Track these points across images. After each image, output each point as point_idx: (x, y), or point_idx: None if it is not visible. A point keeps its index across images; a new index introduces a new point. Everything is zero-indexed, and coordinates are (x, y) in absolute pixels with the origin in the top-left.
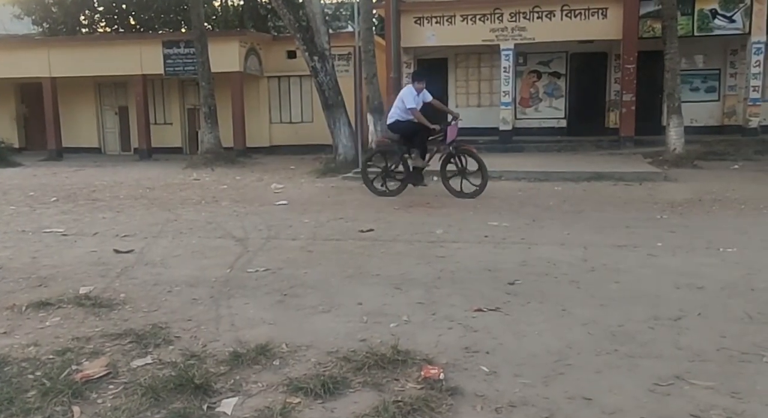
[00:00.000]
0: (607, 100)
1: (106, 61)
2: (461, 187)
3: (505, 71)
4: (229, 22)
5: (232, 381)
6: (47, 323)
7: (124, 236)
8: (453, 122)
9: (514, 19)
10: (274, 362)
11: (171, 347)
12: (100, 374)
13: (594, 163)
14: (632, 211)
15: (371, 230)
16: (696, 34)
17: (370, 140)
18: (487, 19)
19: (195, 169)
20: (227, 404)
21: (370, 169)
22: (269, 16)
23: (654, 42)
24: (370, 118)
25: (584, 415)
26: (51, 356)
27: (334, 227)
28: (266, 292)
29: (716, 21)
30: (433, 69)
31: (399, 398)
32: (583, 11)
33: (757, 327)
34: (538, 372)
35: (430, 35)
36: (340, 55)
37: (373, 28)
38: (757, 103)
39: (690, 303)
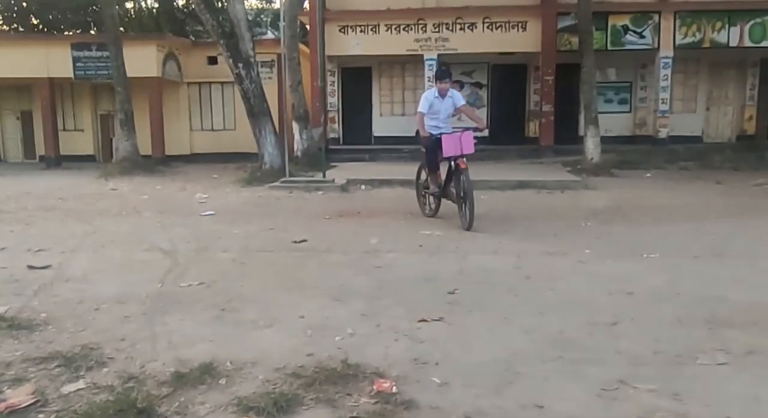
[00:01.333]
0: (527, 111)
1: (7, 62)
2: (463, 215)
3: (429, 81)
4: (144, 26)
5: (177, 403)
6: None
7: (38, 250)
8: (458, 132)
9: (437, 29)
10: (220, 381)
11: (105, 370)
12: (27, 403)
13: (517, 172)
14: (558, 219)
15: (305, 240)
16: (609, 48)
17: (295, 149)
18: (411, 29)
19: (111, 179)
20: None
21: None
22: (187, 20)
23: (571, 55)
24: (295, 126)
25: None
26: None
27: (266, 237)
28: (202, 307)
29: (628, 36)
30: (356, 78)
31: (354, 414)
32: (503, 24)
33: (687, 330)
34: (488, 382)
35: (354, 44)
36: (263, 62)
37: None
38: (666, 114)
39: (622, 308)
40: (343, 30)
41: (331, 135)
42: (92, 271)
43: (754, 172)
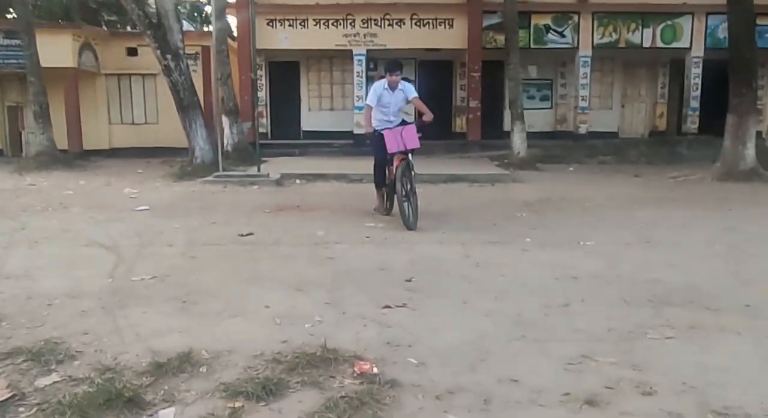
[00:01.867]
0: (453, 106)
1: None
2: (408, 214)
3: (358, 76)
4: (54, 14)
5: (162, 392)
6: None
7: None
8: (400, 127)
9: (366, 25)
10: (200, 369)
11: (77, 363)
12: (4, 398)
13: (448, 166)
14: (493, 210)
15: (251, 234)
16: (532, 46)
17: (225, 143)
18: (340, 25)
19: (27, 174)
20: (165, 415)
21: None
22: (101, 9)
23: (496, 52)
24: (225, 120)
25: (517, 395)
26: None
27: (210, 232)
28: (162, 300)
29: (549, 35)
30: (284, 72)
31: (343, 394)
32: (431, 21)
33: (634, 309)
34: (462, 361)
35: (283, 38)
36: (187, 54)
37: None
38: (586, 111)
39: (571, 291)
40: (271, 24)
41: (260, 130)
42: (32, 267)
43: (667, 165)
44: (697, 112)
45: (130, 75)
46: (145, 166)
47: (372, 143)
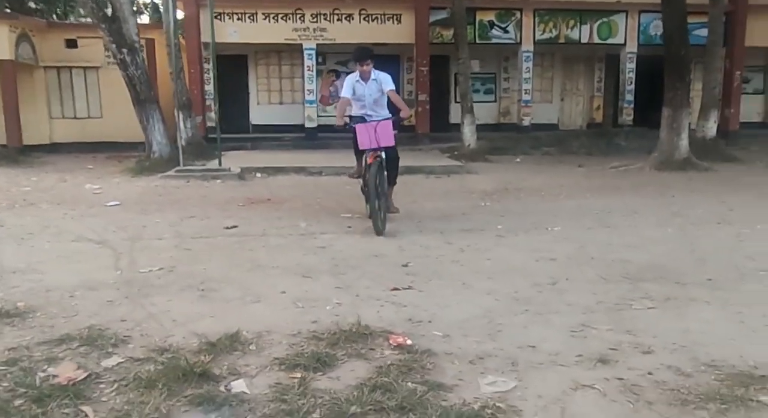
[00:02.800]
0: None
1: None
2: (377, 216)
3: (308, 70)
4: None
5: (225, 367)
6: None
7: None
8: (374, 122)
9: (315, 19)
10: (250, 347)
11: (131, 345)
12: (81, 377)
13: (402, 158)
14: (457, 200)
15: (235, 226)
16: (477, 41)
17: (178, 138)
18: (290, 19)
19: None
20: (239, 386)
21: None
22: None
23: (441, 47)
24: (178, 114)
25: (538, 358)
26: (1, 368)
27: (193, 225)
28: (179, 289)
29: (493, 31)
30: (231, 66)
31: (389, 362)
32: (379, 16)
33: (613, 285)
34: (480, 332)
35: (232, 32)
36: None
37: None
38: (529, 104)
39: (553, 271)
40: (219, 17)
41: (208, 124)
42: (33, 262)
43: (605, 156)
44: (632, 105)
45: (70, 68)
46: (92, 161)
47: (353, 133)
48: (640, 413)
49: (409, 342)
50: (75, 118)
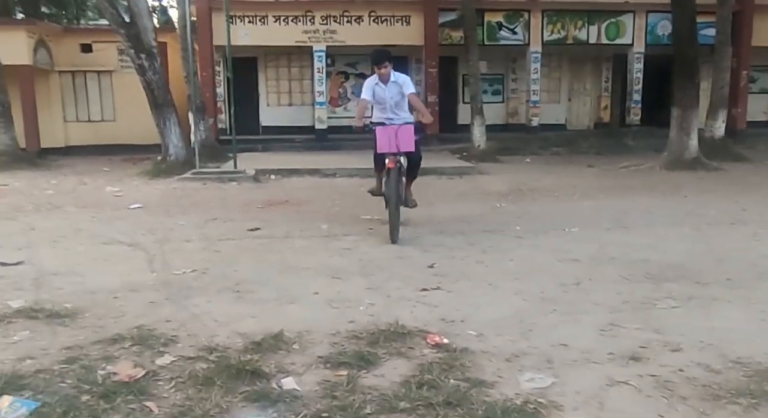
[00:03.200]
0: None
1: None
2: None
3: (318, 72)
4: None
5: (273, 365)
6: (16, 338)
7: None
8: (395, 125)
9: (325, 22)
10: (293, 346)
11: (179, 345)
12: (140, 374)
13: None
14: (472, 201)
15: (258, 228)
16: (486, 43)
17: (192, 141)
18: (300, 21)
19: None
20: (289, 383)
21: None
22: (39, 2)
23: (450, 48)
24: (192, 117)
25: (572, 356)
26: (63, 366)
27: (218, 227)
28: (217, 290)
29: (502, 32)
30: (242, 68)
31: (429, 361)
32: (389, 18)
33: (636, 285)
34: (513, 331)
35: (243, 34)
36: None
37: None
38: (537, 104)
39: (577, 272)
40: (231, 20)
41: (219, 126)
42: (71, 265)
43: (615, 156)
44: (640, 105)
45: (85, 72)
46: (108, 164)
47: (373, 137)
48: (675, 408)
49: (446, 341)
50: (89, 121)
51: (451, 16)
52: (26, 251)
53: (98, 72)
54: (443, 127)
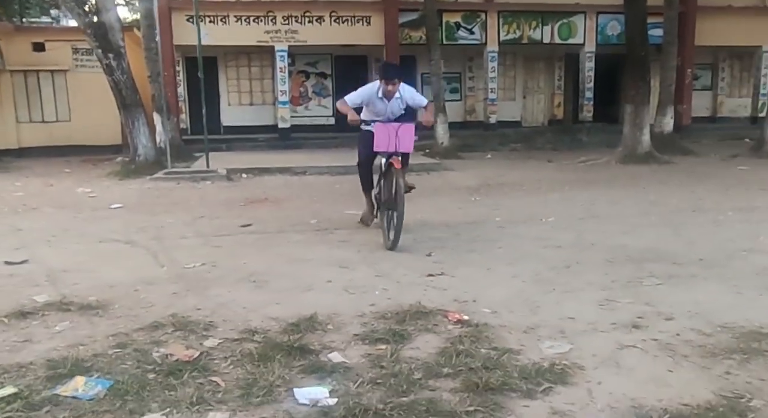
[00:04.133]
0: None
1: None
2: (388, 227)
3: (281, 71)
4: None
5: (316, 343)
6: (57, 328)
7: None
8: (396, 124)
9: (287, 22)
10: (328, 327)
11: (219, 329)
12: (195, 356)
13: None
14: (446, 195)
15: (250, 224)
16: (444, 42)
17: (158, 140)
18: (261, 21)
19: None
20: (335, 357)
21: None
22: None
23: (410, 48)
24: (157, 117)
25: (580, 327)
26: (116, 350)
27: (208, 224)
28: (234, 281)
29: (460, 32)
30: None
31: (457, 335)
32: (349, 18)
33: (620, 266)
34: (522, 308)
35: (204, 34)
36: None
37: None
38: (495, 102)
39: (563, 257)
40: (190, 19)
41: (181, 126)
42: (77, 262)
43: (570, 151)
44: (592, 102)
45: (37, 71)
46: (67, 165)
47: (359, 138)
48: (680, 364)
49: (465, 317)
50: (43, 121)
51: (412, 17)
52: (24, 251)
53: (52, 71)
54: None
